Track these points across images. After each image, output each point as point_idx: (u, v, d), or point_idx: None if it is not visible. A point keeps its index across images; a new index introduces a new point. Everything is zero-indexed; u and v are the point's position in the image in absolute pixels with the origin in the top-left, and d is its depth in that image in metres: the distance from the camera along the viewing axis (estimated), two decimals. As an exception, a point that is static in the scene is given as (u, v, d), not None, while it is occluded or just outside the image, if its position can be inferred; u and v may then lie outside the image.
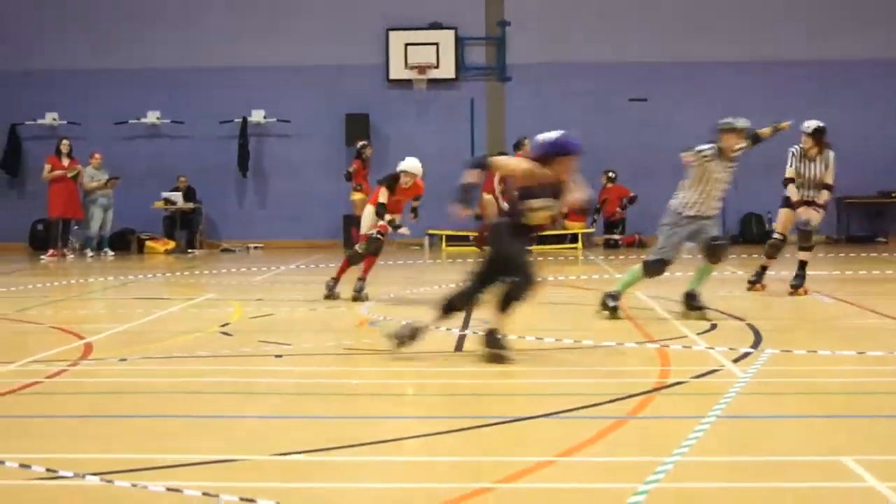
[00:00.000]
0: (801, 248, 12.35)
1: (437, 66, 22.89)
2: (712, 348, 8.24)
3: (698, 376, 7.18)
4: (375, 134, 22.54)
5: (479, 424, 5.88)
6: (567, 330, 9.53)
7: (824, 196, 12.23)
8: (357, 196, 18.60)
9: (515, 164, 8.28)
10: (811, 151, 12.18)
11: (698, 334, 9.11)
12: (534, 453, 5.22)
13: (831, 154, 12.19)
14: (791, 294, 12.17)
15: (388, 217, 11.93)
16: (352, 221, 20.37)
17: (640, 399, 6.50)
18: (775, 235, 12.60)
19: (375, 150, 20.48)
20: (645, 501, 4.42)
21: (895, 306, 11.12)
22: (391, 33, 22.88)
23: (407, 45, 22.94)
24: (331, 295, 12.10)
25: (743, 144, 10.36)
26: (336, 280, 12.20)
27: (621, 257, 19.05)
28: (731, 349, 8.15)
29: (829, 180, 12.21)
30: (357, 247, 12.16)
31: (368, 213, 12.17)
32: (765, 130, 11.25)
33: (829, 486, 4.70)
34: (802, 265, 12.34)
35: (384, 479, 4.96)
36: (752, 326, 9.48)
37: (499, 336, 7.89)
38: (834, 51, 22.49)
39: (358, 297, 11.92)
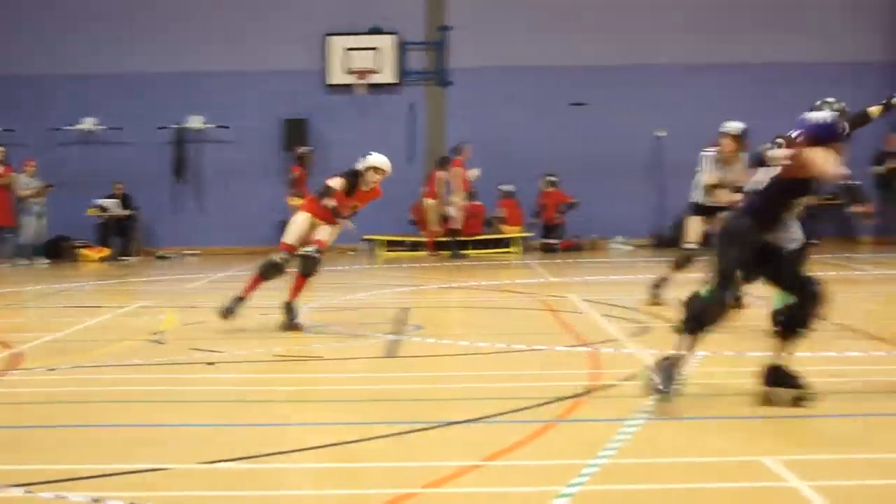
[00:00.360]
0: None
1: (377, 72, 22.88)
2: (642, 351, 8.31)
3: (628, 379, 7.24)
4: (315, 139, 22.47)
5: (409, 430, 5.90)
6: (499, 334, 9.57)
7: (738, 199, 11.88)
8: (297, 202, 18.49)
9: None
10: (730, 154, 11.43)
11: (629, 337, 9.18)
12: (461, 458, 5.25)
13: (746, 157, 11.97)
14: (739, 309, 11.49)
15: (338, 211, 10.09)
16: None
17: (571, 402, 6.56)
18: (689, 245, 11.48)
19: (315, 156, 20.47)
20: (568, 504, 4.46)
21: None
22: (331, 38, 22.82)
23: (347, 49, 22.91)
24: (230, 312, 10.06)
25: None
26: (241, 299, 10.12)
27: (558, 261, 19.13)
28: (660, 352, 8.21)
29: (744, 183, 11.81)
30: (275, 256, 10.18)
31: (300, 221, 10.37)
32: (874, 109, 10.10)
33: (750, 486, 4.77)
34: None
35: (313, 485, 4.98)
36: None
37: (791, 374, 6.62)
38: (779, 53, 22.68)
39: (292, 325, 10.03)
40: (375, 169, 10.22)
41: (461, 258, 19.89)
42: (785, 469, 4.92)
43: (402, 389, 7.25)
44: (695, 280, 10.73)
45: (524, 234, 21.43)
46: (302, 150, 19.73)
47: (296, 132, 22.52)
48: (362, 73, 22.88)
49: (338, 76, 22.94)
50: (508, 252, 20.79)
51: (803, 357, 7.98)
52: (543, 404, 6.46)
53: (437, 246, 20.64)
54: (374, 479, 5.00)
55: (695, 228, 11.48)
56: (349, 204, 10.26)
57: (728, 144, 11.23)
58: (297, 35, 22.89)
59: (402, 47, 23.01)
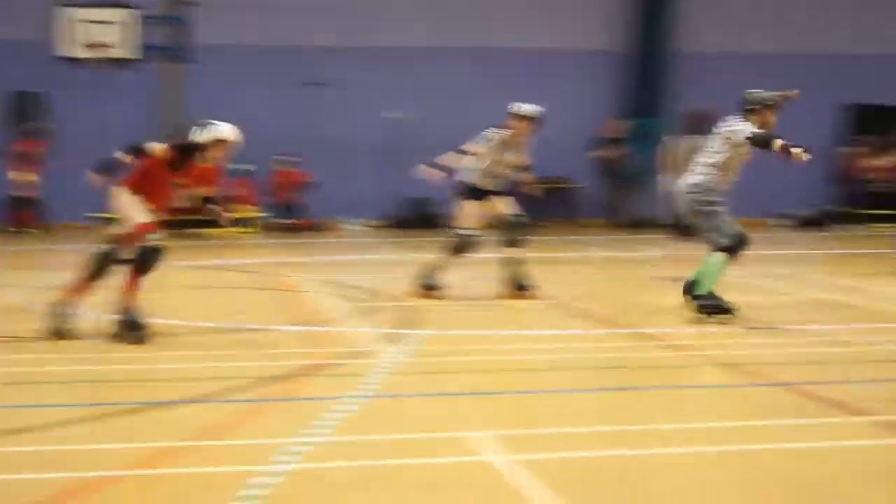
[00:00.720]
0: (513, 244, 10.81)
1: (114, 46, 22.11)
2: (368, 329, 8.38)
3: (347, 358, 7.30)
4: (49, 113, 21.67)
5: (116, 412, 5.77)
6: (220, 314, 9.47)
7: (528, 178, 11.28)
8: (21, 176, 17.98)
9: None
10: (519, 137, 10.83)
11: (355, 316, 9.24)
12: (169, 438, 5.18)
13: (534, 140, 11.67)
14: (525, 298, 10.67)
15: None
16: (21, 203, 19.71)
17: (291, 381, 6.56)
18: (467, 232, 10.68)
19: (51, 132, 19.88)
20: (270, 483, 4.45)
21: (552, 288, 11.52)
22: (64, 9, 21.91)
23: (82, 21, 22.04)
24: (61, 331, 8.02)
25: None
26: (66, 304, 8.12)
27: (293, 241, 19.08)
28: (384, 331, 8.31)
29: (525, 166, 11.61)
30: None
31: (128, 203, 7.99)
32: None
33: (449, 461, 4.87)
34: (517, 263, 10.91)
35: (13, 470, 4.80)
36: (410, 308, 9.67)
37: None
38: (519, 40, 23.17)
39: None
40: (221, 142, 8.10)
41: (193, 238, 19.55)
42: (486, 445, 5.04)
43: (115, 369, 7.08)
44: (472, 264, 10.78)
45: (257, 214, 21.26)
46: (35, 125, 19.01)
47: (27, 105, 21.67)
48: (98, 47, 22.12)
49: (71, 49, 22.09)
50: (244, 232, 20.58)
51: (525, 335, 8.26)
52: (258, 383, 6.43)
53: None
54: (78, 463, 4.86)
55: (470, 213, 10.72)
56: (175, 181, 8.14)
57: (520, 126, 10.70)
58: (26, 3, 21.96)
59: (143, 21, 22.32)
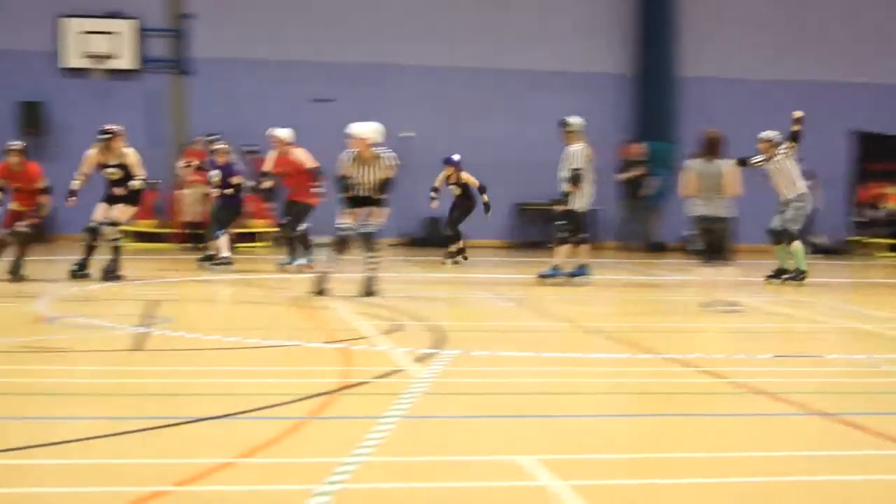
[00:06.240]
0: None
1: (116, 57, 22.14)
2: (395, 349, 8.31)
3: (380, 377, 7.22)
4: (53, 123, 21.65)
5: (159, 426, 5.69)
6: (250, 329, 9.40)
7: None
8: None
9: None
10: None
11: (381, 335, 9.16)
12: (213, 455, 5.10)
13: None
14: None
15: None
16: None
17: (322, 399, 6.47)
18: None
19: (54, 140, 19.83)
20: (327, 503, 4.38)
21: (569, 310, 11.54)
22: (66, 20, 21.94)
23: (83, 32, 22.07)
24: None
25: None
26: None
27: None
28: (413, 350, 8.23)
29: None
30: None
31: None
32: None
33: (503, 485, 4.79)
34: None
35: (57, 482, 4.72)
36: (434, 328, 9.61)
37: None
38: (523, 61, 23.21)
39: None
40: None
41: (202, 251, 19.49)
42: (537, 468, 4.96)
43: (150, 384, 7.02)
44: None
45: (271, 229, 21.17)
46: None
47: (32, 115, 21.64)
48: (99, 58, 22.12)
49: (74, 60, 22.09)
50: (258, 246, 20.53)
51: (555, 358, 8.18)
52: (296, 401, 6.36)
53: (185, 238, 20.27)
54: (124, 477, 4.78)
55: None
56: None
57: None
58: (31, 15, 21.94)
59: (143, 33, 22.35)
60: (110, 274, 12.90)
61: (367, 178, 11.94)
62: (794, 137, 14.33)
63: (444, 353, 8.11)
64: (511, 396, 6.89)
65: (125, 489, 4.56)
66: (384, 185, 12.03)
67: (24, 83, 21.69)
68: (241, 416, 5.99)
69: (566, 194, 13.73)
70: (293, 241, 15.16)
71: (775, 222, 14.29)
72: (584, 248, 13.95)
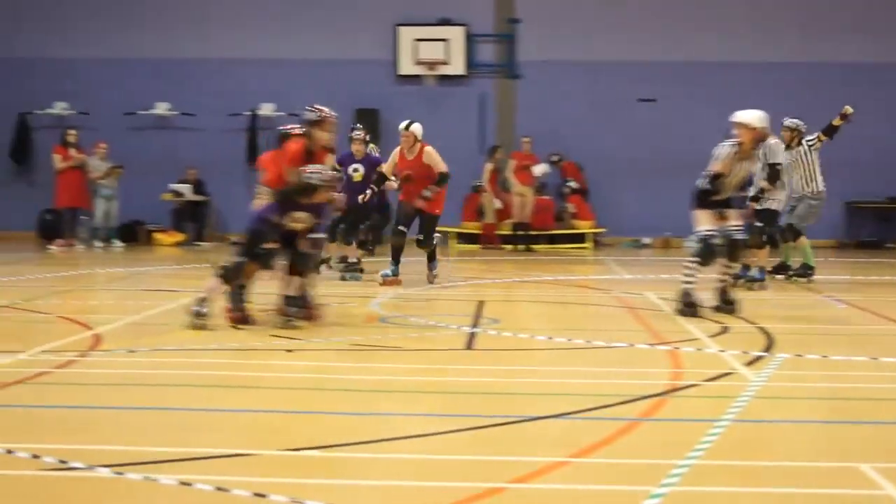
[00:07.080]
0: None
1: (446, 63, 22.83)
2: (724, 351, 8.19)
3: (710, 379, 7.14)
4: (386, 129, 22.49)
5: (491, 423, 5.84)
6: (577, 329, 9.48)
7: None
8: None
9: None
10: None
11: (709, 337, 9.05)
12: (546, 454, 5.18)
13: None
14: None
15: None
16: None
17: (653, 401, 6.46)
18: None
19: (386, 145, 20.46)
20: (661, 504, 4.39)
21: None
22: (400, 28, 22.80)
23: (416, 40, 22.87)
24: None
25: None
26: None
27: (629, 259, 18.97)
28: (743, 353, 8.09)
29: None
30: None
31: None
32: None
33: (844, 492, 4.66)
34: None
35: (396, 476, 4.92)
36: (763, 330, 9.42)
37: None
38: (824, 52, 22.37)
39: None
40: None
41: (531, 253, 19.80)
42: (879, 476, 4.80)
43: (481, 382, 7.20)
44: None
45: (597, 230, 21.27)
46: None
47: (367, 122, 22.53)
48: (432, 65, 22.84)
49: (407, 67, 22.92)
50: (581, 248, 20.65)
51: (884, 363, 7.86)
52: (626, 402, 6.37)
53: (503, 239, 20.64)
54: (459, 473, 4.93)
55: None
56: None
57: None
58: (368, 25, 22.90)
59: (471, 39, 22.93)
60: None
61: (739, 174, 10.44)
62: (829, 132, 13.45)
63: (776, 357, 7.95)
64: (845, 402, 6.68)
65: (461, 484, 4.70)
66: (747, 181, 11.10)
67: (363, 91, 22.62)
68: (574, 415, 6.06)
69: None
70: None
71: (787, 218, 13.54)
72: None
